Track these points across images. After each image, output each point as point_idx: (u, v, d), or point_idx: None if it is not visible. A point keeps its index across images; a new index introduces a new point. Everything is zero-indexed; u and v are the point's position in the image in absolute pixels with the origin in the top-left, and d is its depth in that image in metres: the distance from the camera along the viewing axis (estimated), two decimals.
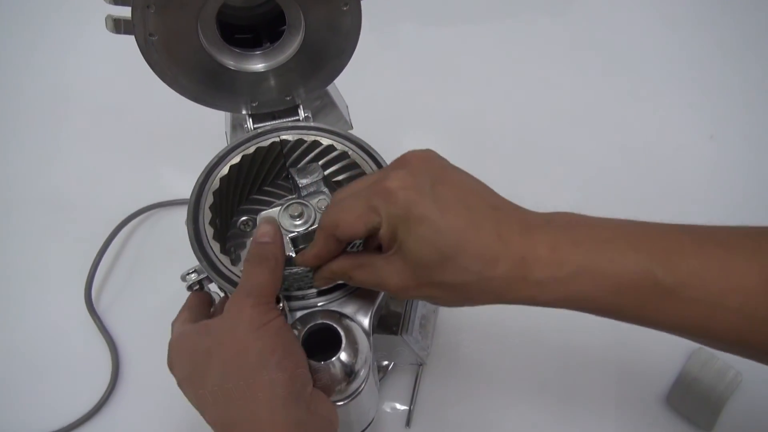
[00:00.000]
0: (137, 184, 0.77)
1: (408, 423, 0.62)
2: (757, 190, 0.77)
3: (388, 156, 0.72)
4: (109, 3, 0.37)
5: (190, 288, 0.44)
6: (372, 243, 0.39)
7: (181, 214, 0.73)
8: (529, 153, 0.81)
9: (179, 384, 0.37)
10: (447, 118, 0.86)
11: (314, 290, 0.40)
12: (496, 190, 0.37)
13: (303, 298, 0.40)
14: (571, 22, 0.97)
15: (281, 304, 0.38)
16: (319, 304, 0.40)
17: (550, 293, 0.34)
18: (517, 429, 0.62)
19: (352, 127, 0.58)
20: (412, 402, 0.62)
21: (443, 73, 0.92)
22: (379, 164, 0.47)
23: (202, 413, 0.36)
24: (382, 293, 0.42)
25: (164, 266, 0.71)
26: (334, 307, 0.41)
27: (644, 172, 0.79)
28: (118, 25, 0.38)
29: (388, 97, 0.87)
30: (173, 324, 0.42)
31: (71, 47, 0.93)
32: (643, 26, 0.95)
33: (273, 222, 0.40)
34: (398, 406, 0.63)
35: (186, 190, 0.72)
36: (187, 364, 0.37)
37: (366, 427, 0.47)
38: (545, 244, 0.34)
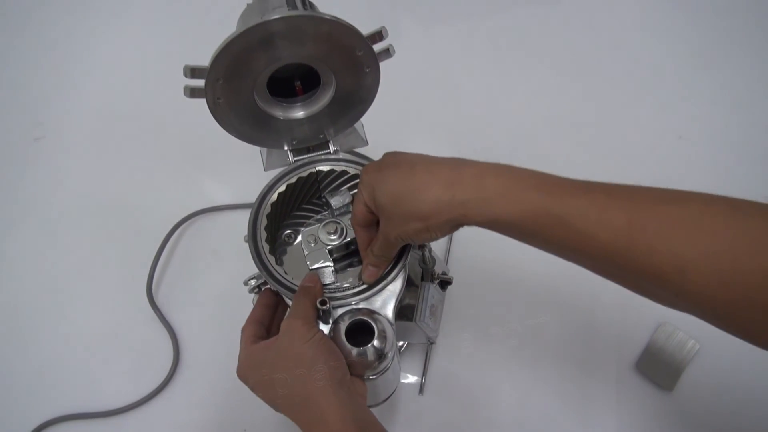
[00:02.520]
0: (181, 193, 0.85)
1: (421, 391, 0.70)
2: (720, 185, 0.84)
3: None
4: (187, 77, 0.48)
5: (251, 291, 0.55)
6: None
7: (221, 218, 0.83)
8: (511, 152, 0.86)
9: (253, 389, 0.49)
10: (445, 120, 0.93)
11: (351, 292, 0.52)
12: None
13: (342, 298, 0.51)
14: (549, 29, 1.02)
15: (327, 305, 0.49)
16: (353, 303, 0.51)
17: (476, 211, 0.43)
18: (513, 391, 0.70)
19: (368, 143, 0.67)
20: (424, 373, 0.71)
21: (443, 74, 0.97)
22: None
23: (273, 405, 0.48)
24: (401, 291, 0.54)
25: (210, 264, 0.80)
26: (365, 304, 0.51)
27: (618, 170, 0.82)
28: (194, 93, 0.48)
29: (390, 99, 0.95)
30: (243, 331, 0.53)
31: (120, 72, 0.99)
32: (618, 35, 1.00)
33: (315, 274, 0.53)
34: (412, 377, 0.71)
35: (224, 198, 0.84)
36: (258, 373, 0.49)
37: (390, 395, 0.58)
38: (471, 173, 0.44)
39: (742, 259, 0.36)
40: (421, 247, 0.58)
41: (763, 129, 0.89)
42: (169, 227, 0.80)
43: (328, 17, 0.46)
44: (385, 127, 0.90)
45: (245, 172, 0.80)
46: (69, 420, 0.70)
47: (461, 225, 0.45)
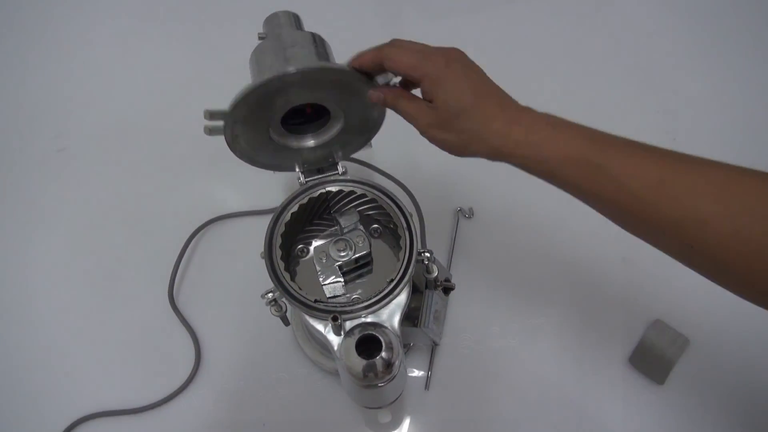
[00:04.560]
0: (198, 201, 0.88)
1: (427, 386, 0.74)
2: None
3: (396, 169, 0.84)
4: (207, 119, 0.52)
5: (268, 303, 0.59)
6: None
7: (237, 224, 0.87)
8: None
9: None
10: None
11: (360, 306, 0.56)
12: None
13: (352, 312, 0.55)
14: (545, 29, 1.04)
15: (339, 320, 0.53)
16: (362, 316, 0.55)
17: (523, 150, 0.48)
18: (513, 386, 0.73)
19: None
20: (429, 370, 0.75)
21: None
22: (398, 205, 0.60)
23: None
24: (406, 304, 0.58)
25: (226, 268, 0.83)
26: (372, 317, 0.55)
27: None
28: (213, 131, 0.52)
29: None
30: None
31: (138, 82, 1.03)
32: (615, 37, 1.02)
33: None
34: (418, 372, 0.75)
35: (239, 205, 0.87)
36: None
37: (397, 397, 0.62)
38: (528, 118, 0.49)
39: (762, 221, 0.40)
40: (427, 260, 0.62)
41: (756, 131, 0.91)
42: (188, 234, 0.84)
43: (338, 67, 0.50)
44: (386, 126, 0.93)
45: (258, 180, 0.84)
46: (99, 417, 0.74)
47: (503, 158, 0.50)
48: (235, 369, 0.77)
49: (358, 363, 0.52)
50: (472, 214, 0.86)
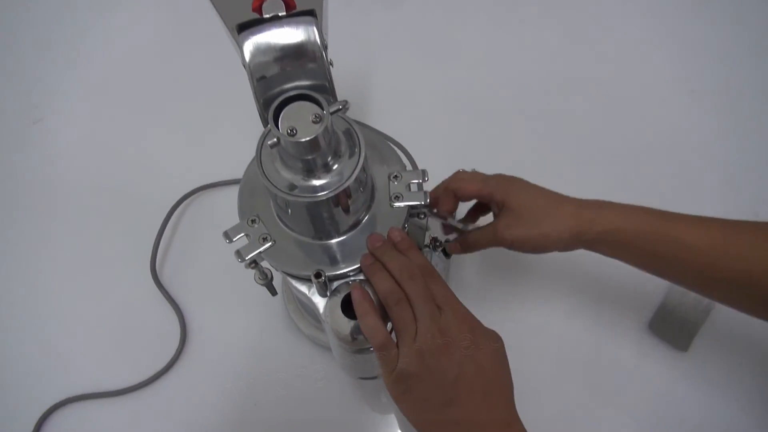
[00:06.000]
0: (181, 170, 0.84)
1: None
2: (731, 138, 0.83)
3: (399, 133, 0.79)
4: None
5: (247, 267, 0.54)
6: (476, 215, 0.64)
7: (222, 194, 0.83)
8: (524, 113, 0.87)
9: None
10: (448, 78, 0.92)
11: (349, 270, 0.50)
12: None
13: (338, 269, 0.50)
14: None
15: (323, 278, 0.48)
16: (350, 275, 0.50)
17: (598, 228, 0.53)
18: (526, 351, 0.65)
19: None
20: None
21: (447, 30, 0.97)
22: None
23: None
24: None
25: (212, 240, 0.74)
26: (361, 277, 0.50)
27: (630, 123, 0.85)
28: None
29: (395, 59, 0.94)
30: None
31: (114, 50, 0.99)
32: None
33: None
34: None
35: (223, 173, 0.83)
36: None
37: None
38: (589, 201, 0.55)
39: None
40: (419, 215, 0.56)
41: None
42: (170, 205, 0.80)
43: None
44: (388, 87, 0.90)
45: (244, 147, 0.80)
46: (79, 400, 0.71)
47: (580, 242, 0.55)
48: (223, 346, 0.74)
49: (345, 324, 0.47)
50: None
